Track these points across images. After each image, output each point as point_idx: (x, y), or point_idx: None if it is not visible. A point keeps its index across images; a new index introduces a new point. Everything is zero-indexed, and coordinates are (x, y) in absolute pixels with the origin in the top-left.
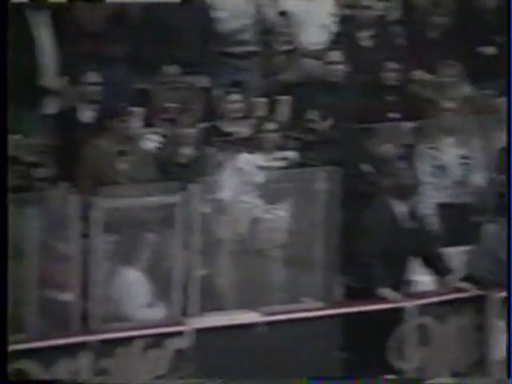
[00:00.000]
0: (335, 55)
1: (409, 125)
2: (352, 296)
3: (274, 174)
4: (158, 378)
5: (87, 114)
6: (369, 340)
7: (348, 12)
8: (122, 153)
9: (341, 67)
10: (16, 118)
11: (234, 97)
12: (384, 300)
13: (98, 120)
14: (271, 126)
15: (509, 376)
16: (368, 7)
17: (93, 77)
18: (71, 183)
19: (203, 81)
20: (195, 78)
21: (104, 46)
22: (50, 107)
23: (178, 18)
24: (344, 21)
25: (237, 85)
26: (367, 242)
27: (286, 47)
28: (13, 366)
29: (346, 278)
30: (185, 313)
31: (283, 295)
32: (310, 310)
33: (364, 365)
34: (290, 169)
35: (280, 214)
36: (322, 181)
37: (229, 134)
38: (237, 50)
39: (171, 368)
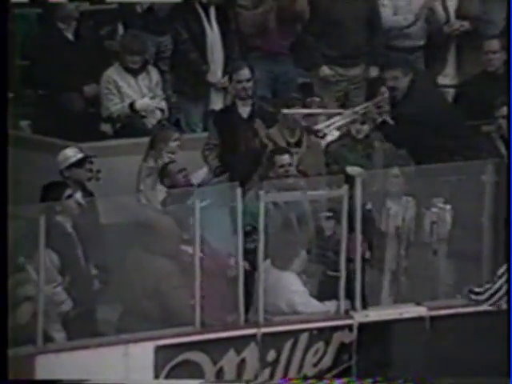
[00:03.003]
0: (494, 44)
1: None
2: None
3: (439, 166)
4: (322, 372)
5: (244, 110)
6: None
7: None
8: (292, 145)
9: (498, 56)
10: (185, 114)
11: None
12: None
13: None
14: None
15: (509, 376)
16: None
17: (245, 73)
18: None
19: (372, 71)
20: (354, 70)
21: (269, 41)
22: (216, 103)
23: (344, 11)
24: None
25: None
26: None
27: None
28: (183, 357)
29: None
30: (351, 307)
31: (449, 289)
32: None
33: None
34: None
35: (444, 207)
36: (490, 173)
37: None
38: (404, 43)
39: (334, 362)
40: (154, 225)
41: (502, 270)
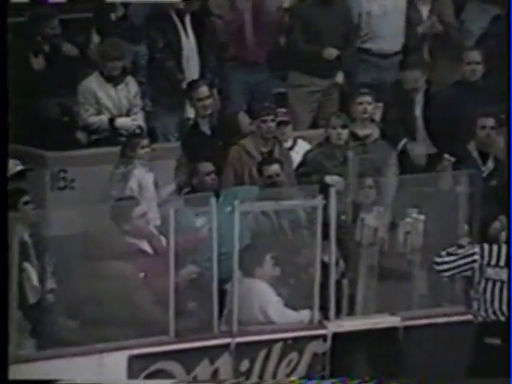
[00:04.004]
0: (475, 55)
1: None
2: None
3: (412, 176)
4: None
5: (207, 127)
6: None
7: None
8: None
9: (479, 67)
10: (160, 123)
11: (364, 98)
12: None
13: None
14: None
15: (509, 376)
16: None
17: (204, 91)
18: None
19: (339, 79)
20: (331, 79)
21: (245, 50)
22: (191, 112)
23: (321, 18)
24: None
25: (368, 85)
26: None
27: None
28: (155, 366)
29: None
30: (324, 317)
31: (423, 300)
32: (451, 314)
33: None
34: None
35: (418, 217)
36: (464, 184)
37: (361, 137)
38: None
39: (309, 371)
40: (100, 231)
41: (464, 241)
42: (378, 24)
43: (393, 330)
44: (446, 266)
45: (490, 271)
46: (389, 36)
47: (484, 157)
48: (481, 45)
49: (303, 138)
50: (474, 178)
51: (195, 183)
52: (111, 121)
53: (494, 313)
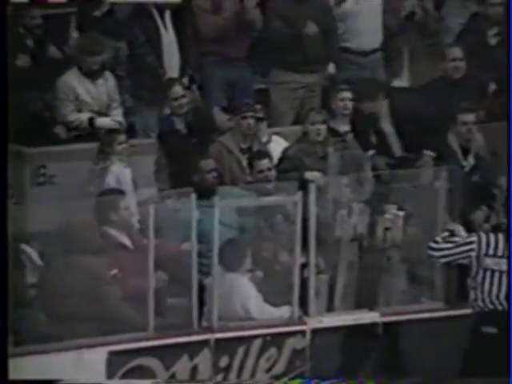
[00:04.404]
0: (456, 51)
1: None
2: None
3: (393, 173)
4: (275, 377)
5: (183, 125)
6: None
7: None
8: (245, 150)
9: (462, 64)
10: (140, 118)
11: (345, 94)
12: None
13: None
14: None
15: (509, 376)
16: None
17: (178, 91)
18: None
19: (318, 78)
20: (312, 76)
21: (226, 46)
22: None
23: (299, 15)
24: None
25: (349, 82)
26: None
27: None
28: (135, 362)
29: None
30: (304, 313)
31: (402, 295)
32: (430, 310)
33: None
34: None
35: (398, 213)
36: (443, 180)
37: (341, 134)
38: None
39: (287, 368)
40: (77, 225)
41: (453, 226)
42: (355, 22)
43: (372, 325)
44: (441, 253)
45: (488, 261)
46: (366, 33)
47: (465, 152)
48: (460, 41)
49: (279, 134)
50: (453, 174)
51: (197, 180)
52: (91, 120)
53: (492, 302)
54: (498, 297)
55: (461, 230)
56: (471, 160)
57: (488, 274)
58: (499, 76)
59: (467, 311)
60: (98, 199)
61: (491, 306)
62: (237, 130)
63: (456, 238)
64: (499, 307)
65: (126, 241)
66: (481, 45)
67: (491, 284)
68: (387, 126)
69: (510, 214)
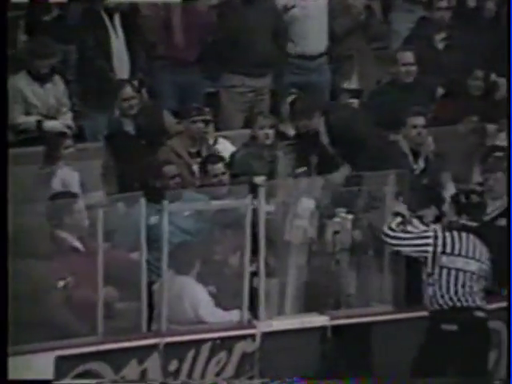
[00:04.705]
0: (408, 56)
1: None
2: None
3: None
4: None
5: (131, 127)
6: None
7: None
8: (194, 154)
9: (414, 68)
10: (89, 122)
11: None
12: None
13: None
14: None
15: (509, 376)
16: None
17: (129, 92)
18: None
19: (267, 82)
20: (262, 80)
21: (176, 50)
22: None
23: (248, 19)
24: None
25: (297, 86)
26: None
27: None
28: (84, 367)
29: None
30: (254, 316)
31: (351, 299)
32: (379, 314)
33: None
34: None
35: (346, 217)
36: (391, 184)
37: (290, 137)
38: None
39: (237, 372)
40: (23, 229)
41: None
42: (302, 27)
43: (322, 329)
44: (396, 241)
45: (444, 259)
46: (313, 38)
47: (415, 155)
48: (408, 45)
49: (226, 137)
50: (401, 178)
51: (159, 186)
52: (39, 123)
53: (451, 299)
54: (455, 294)
55: (416, 222)
56: (421, 163)
57: (444, 271)
58: (446, 80)
59: (417, 314)
60: (50, 202)
61: (450, 304)
62: (185, 134)
63: (413, 229)
64: (458, 304)
65: (78, 244)
66: (428, 49)
67: (448, 282)
68: (326, 141)
69: (509, 214)
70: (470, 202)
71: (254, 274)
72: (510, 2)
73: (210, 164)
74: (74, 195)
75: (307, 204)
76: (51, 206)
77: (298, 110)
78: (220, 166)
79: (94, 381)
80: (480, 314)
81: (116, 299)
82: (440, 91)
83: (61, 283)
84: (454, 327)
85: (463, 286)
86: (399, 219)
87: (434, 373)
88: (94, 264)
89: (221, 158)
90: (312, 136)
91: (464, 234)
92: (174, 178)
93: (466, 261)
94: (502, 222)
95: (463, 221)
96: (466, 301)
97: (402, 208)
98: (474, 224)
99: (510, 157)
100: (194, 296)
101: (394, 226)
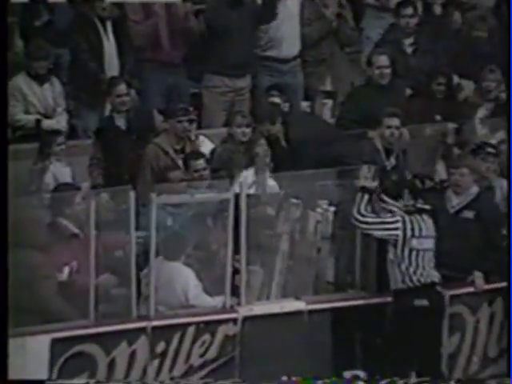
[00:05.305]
0: (383, 59)
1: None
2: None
3: (322, 171)
4: (208, 361)
5: (123, 122)
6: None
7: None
8: (178, 151)
9: (388, 71)
10: (82, 121)
11: (273, 99)
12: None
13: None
14: None
15: (509, 376)
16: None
17: (122, 89)
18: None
19: (247, 83)
20: (241, 80)
21: (162, 53)
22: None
23: (229, 23)
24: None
25: (276, 88)
26: None
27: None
28: (76, 348)
29: None
30: (237, 302)
31: (327, 285)
32: (354, 299)
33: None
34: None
35: (328, 208)
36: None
37: None
38: (280, 53)
39: (219, 353)
40: (21, 222)
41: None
42: (275, 32)
43: (298, 313)
44: (366, 226)
45: (414, 242)
46: (287, 42)
47: (388, 153)
48: (380, 49)
49: (206, 135)
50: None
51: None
52: (38, 121)
53: (421, 276)
54: (423, 272)
55: (386, 198)
56: (393, 160)
57: (414, 253)
58: (415, 82)
59: (388, 299)
60: (53, 194)
61: (422, 281)
62: (171, 132)
63: (387, 215)
64: (427, 281)
65: (78, 231)
66: (398, 53)
67: (417, 262)
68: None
69: (509, 216)
70: (424, 188)
71: (238, 262)
72: (510, 2)
73: (191, 160)
74: (75, 187)
75: (271, 184)
76: (54, 196)
77: (261, 116)
78: (201, 162)
79: (93, 380)
80: (440, 288)
81: (113, 285)
82: (408, 92)
83: (66, 269)
84: (425, 302)
85: (429, 263)
86: (366, 198)
87: (408, 348)
88: (93, 250)
89: (202, 155)
90: (273, 139)
91: (423, 216)
92: (204, 170)
93: (428, 240)
94: (467, 214)
95: (419, 204)
96: (430, 276)
97: (368, 182)
98: (428, 207)
99: (510, 157)
100: (184, 280)
101: (362, 209)
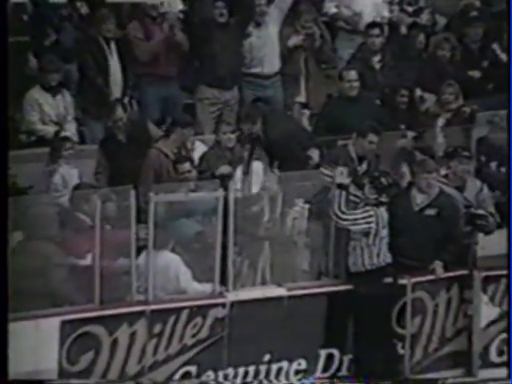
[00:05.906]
0: (352, 74)
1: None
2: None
3: (300, 172)
4: (200, 341)
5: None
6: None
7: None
8: (177, 154)
9: (357, 84)
10: (89, 128)
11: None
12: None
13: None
14: None
15: (509, 376)
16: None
17: (119, 114)
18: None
19: (234, 95)
20: (229, 93)
21: (159, 67)
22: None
23: (218, 42)
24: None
25: (260, 100)
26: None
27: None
28: (83, 329)
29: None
30: (225, 288)
31: (304, 274)
32: (328, 286)
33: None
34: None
35: (304, 206)
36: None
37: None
38: (263, 70)
39: (210, 333)
40: (38, 214)
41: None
42: (259, 51)
43: (279, 299)
44: (346, 223)
45: (384, 232)
46: (267, 61)
47: (360, 160)
48: (349, 66)
49: (201, 141)
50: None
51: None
52: (57, 133)
53: (385, 259)
54: (386, 255)
55: (367, 188)
56: (364, 166)
57: (384, 241)
58: (381, 95)
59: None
60: (75, 192)
61: (387, 261)
62: (171, 138)
63: (363, 211)
64: (388, 261)
65: (93, 224)
66: (367, 69)
67: (380, 247)
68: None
69: (509, 213)
70: (383, 184)
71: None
72: (510, 2)
73: (179, 164)
74: (93, 187)
75: (257, 165)
76: (76, 194)
77: (243, 116)
78: (187, 165)
79: (93, 380)
80: (392, 268)
81: (127, 269)
82: (376, 103)
83: (88, 255)
84: (390, 279)
85: (386, 248)
86: (344, 194)
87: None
88: (107, 240)
89: (188, 159)
90: (255, 138)
91: (381, 209)
92: (189, 172)
93: (386, 229)
94: (430, 211)
95: (382, 198)
96: (387, 258)
97: (343, 178)
98: (386, 200)
99: (510, 157)
100: (175, 267)
101: (343, 206)
